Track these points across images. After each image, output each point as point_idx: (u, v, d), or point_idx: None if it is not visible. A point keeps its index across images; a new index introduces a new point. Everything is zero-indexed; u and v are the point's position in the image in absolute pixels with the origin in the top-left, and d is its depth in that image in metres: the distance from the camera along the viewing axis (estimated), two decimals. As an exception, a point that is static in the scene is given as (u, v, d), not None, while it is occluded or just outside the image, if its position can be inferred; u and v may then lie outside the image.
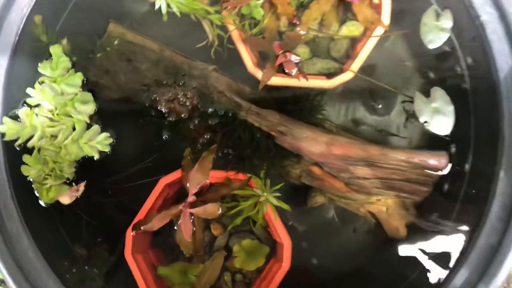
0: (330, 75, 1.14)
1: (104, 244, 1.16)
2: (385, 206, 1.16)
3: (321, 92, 1.16)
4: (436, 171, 1.04)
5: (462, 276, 1.06)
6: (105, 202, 1.16)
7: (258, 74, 1.10)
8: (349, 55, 1.16)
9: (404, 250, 1.19)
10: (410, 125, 1.15)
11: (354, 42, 1.17)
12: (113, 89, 1.14)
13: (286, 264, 1.09)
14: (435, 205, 1.15)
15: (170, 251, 1.22)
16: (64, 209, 1.13)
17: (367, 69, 1.14)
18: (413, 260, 1.17)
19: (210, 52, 1.17)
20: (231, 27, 1.12)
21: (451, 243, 1.11)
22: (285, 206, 1.08)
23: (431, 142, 1.12)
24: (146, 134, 1.16)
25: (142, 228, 0.93)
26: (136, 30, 1.20)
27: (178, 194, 1.20)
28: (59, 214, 1.13)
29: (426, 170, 1.04)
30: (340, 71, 1.14)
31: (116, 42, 1.14)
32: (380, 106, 1.16)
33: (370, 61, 1.14)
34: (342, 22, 1.17)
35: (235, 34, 1.12)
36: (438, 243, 1.15)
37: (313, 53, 1.17)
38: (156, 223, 0.94)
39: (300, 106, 1.15)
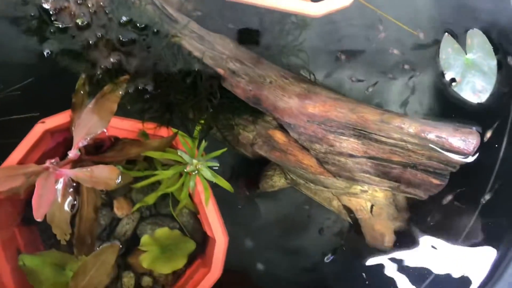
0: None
1: None
2: (370, 202, 0.80)
3: (301, 23, 0.78)
4: (459, 156, 0.68)
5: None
6: None
7: (209, -23, 0.71)
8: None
9: (386, 267, 0.86)
10: (424, 83, 0.78)
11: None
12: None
13: (216, 269, 0.73)
14: (441, 209, 0.80)
15: (50, 232, 0.82)
16: None
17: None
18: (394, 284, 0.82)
19: None
20: None
21: (463, 270, 0.77)
22: (223, 184, 0.70)
23: (455, 113, 0.75)
24: (16, 45, 0.74)
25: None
26: None
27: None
28: None
29: (443, 153, 0.68)
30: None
31: None
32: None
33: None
34: None
35: None
36: (438, 267, 0.80)
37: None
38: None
39: (268, 39, 0.76)
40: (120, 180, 0.66)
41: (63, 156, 0.80)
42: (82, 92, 0.70)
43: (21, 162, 0.73)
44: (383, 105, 0.79)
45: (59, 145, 0.76)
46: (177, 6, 0.74)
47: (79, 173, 0.61)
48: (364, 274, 0.87)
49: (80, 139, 0.66)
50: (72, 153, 0.64)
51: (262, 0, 0.72)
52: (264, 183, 0.84)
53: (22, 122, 0.72)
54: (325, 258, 0.87)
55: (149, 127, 0.74)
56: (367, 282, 0.87)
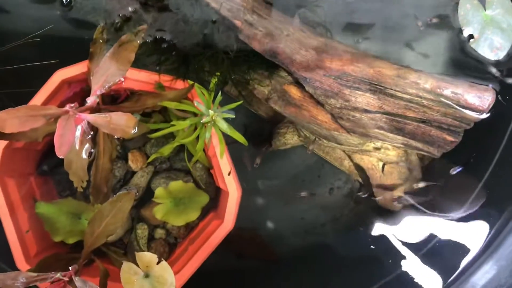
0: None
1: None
2: (382, 161, 0.81)
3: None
4: (473, 112, 0.68)
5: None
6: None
7: None
8: None
9: (394, 230, 0.86)
10: (441, 40, 0.78)
11: None
12: None
13: (228, 221, 0.74)
14: (448, 173, 0.82)
15: (65, 184, 0.84)
16: None
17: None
18: (401, 248, 0.83)
19: None
20: None
21: (467, 234, 0.78)
22: (237, 136, 0.71)
23: (470, 71, 0.75)
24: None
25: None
26: None
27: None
28: None
29: (458, 109, 0.68)
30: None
31: None
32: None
33: None
34: None
35: None
36: (441, 232, 0.81)
37: None
38: (14, 124, 0.54)
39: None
40: (136, 129, 0.66)
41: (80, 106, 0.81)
42: (100, 41, 0.70)
43: (39, 111, 0.74)
44: (398, 61, 0.79)
45: (76, 95, 0.77)
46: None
47: (98, 118, 0.62)
48: (369, 237, 0.88)
49: (99, 87, 0.66)
50: (91, 100, 0.65)
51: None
52: (277, 140, 0.84)
53: (40, 70, 0.72)
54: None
55: (165, 79, 0.74)
56: (372, 247, 0.88)
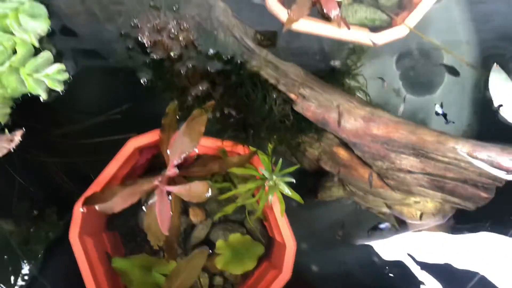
0: (374, 28, 0.85)
1: (41, 220, 0.84)
2: (419, 211, 0.89)
3: (359, 50, 0.87)
4: (505, 173, 0.77)
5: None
6: (50, 162, 0.83)
7: (282, 13, 0.80)
8: (403, 5, 0.87)
9: (434, 270, 0.93)
10: (473, 109, 0.87)
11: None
12: (78, 6, 0.81)
13: (287, 272, 0.82)
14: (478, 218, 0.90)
15: (131, 237, 0.92)
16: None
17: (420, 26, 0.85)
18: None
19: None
20: None
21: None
22: (295, 196, 0.79)
23: (502, 136, 0.84)
24: (117, 74, 0.83)
25: (97, 207, 0.62)
26: None
27: (151, 164, 0.89)
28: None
29: (492, 170, 0.77)
30: (389, 25, 0.85)
31: None
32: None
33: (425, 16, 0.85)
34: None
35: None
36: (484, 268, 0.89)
37: (355, -3, 0.87)
38: (119, 203, 0.63)
39: (330, 66, 0.85)
40: (210, 193, 0.75)
41: (149, 169, 0.89)
42: (173, 115, 0.79)
43: (114, 176, 0.82)
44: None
45: (146, 161, 0.85)
46: (251, 37, 0.83)
47: (181, 189, 0.71)
48: (410, 278, 0.95)
49: (175, 158, 0.75)
50: (171, 172, 0.73)
51: (331, 31, 0.81)
52: (323, 193, 0.93)
53: (118, 142, 0.80)
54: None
55: (227, 144, 0.83)
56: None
